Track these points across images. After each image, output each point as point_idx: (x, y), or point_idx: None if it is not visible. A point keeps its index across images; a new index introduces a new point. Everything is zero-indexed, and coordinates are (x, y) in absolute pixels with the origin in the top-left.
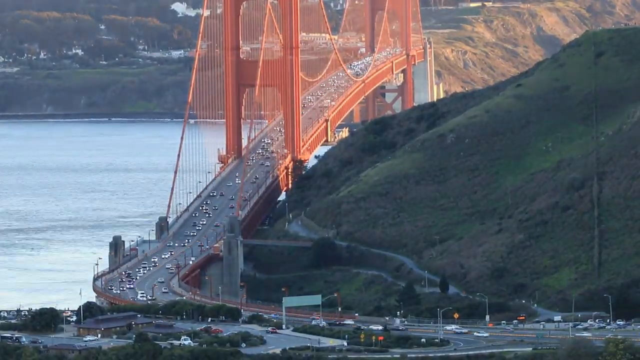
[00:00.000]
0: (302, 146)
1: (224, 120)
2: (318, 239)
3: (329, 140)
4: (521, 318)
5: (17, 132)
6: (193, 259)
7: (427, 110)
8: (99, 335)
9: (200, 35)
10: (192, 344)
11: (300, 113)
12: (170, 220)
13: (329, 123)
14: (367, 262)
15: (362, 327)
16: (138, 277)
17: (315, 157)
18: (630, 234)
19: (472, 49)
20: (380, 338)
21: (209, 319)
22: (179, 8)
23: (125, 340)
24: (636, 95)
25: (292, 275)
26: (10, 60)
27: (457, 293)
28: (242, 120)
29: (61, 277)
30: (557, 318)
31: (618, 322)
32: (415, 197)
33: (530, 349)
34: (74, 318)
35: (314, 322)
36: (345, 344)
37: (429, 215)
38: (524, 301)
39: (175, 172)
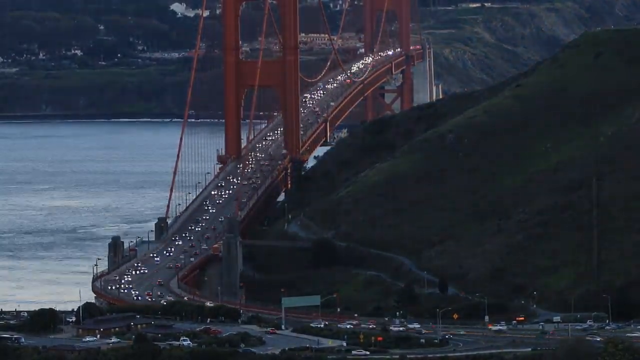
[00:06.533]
0: (302, 147)
1: (224, 120)
2: (317, 240)
3: (328, 140)
4: (520, 319)
5: (16, 132)
6: (192, 259)
7: (426, 111)
8: (98, 336)
9: (199, 35)
10: (191, 345)
11: (300, 113)
12: (169, 221)
13: (327, 123)
14: (366, 263)
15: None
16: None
17: (315, 157)
18: (630, 234)
19: (471, 50)
20: (380, 338)
21: (208, 320)
22: (178, 8)
23: (124, 341)
24: (636, 95)
25: (291, 276)
26: (10, 60)
27: (456, 294)
28: (241, 121)
29: (60, 277)
30: (557, 318)
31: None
32: (414, 197)
33: (530, 349)
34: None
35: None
36: (345, 344)
37: (428, 216)
38: (523, 302)
39: (175, 173)
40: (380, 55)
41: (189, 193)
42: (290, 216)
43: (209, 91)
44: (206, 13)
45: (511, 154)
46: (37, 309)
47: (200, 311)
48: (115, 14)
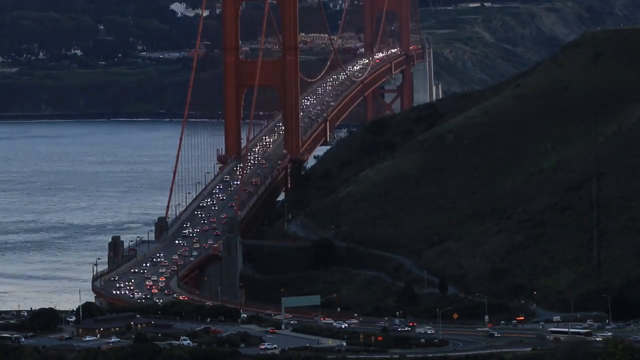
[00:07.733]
0: (301, 146)
1: (224, 120)
2: (317, 240)
3: (328, 140)
4: (520, 318)
5: (16, 132)
6: (192, 259)
7: (426, 111)
8: (98, 336)
9: (199, 35)
10: (191, 344)
11: (300, 113)
12: (169, 221)
13: (327, 123)
14: (366, 263)
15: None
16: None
17: (315, 157)
18: (629, 234)
19: (471, 50)
20: (380, 338)
21: (208, 319)
22: (178, 8)
23: (124, 341)
24: (635, 95)
25: (291, 276)
26: (9, 60)
27: (456, 293)
28: (241, 121)
29: (60, 278)
30: (556, 318)
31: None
32: (414, 197)
33: (530, 349)
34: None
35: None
36: (344, 344)
37: (428, 216)
38: (522, 301)
39: (174, 173)
40: (381, 55)
41: (189, 193)
42: (290, 216)
43: (209, 91)
44: (206, 13)
45: (511, 154)
46: (37, 308)
47: (200, 311)
48: (115, 14)
